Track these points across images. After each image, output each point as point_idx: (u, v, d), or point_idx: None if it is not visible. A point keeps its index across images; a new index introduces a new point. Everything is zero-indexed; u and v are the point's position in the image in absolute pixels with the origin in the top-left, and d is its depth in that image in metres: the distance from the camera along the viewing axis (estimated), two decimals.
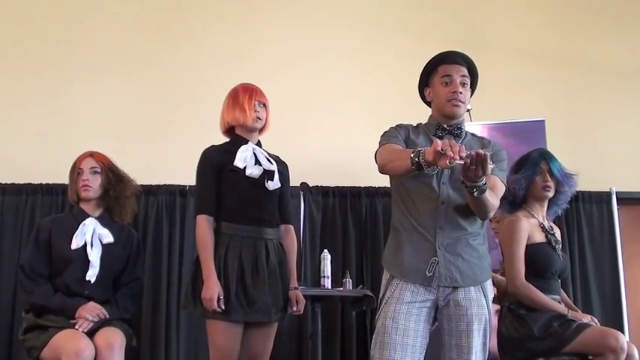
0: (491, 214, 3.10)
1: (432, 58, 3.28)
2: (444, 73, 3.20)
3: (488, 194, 2.91)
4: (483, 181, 2.81)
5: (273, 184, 3.76)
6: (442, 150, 2.63)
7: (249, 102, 3.76)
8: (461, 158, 2.61)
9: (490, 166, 2.70)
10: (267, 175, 3.76)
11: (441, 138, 3.14)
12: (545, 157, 4.21)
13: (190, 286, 3.67)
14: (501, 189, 3.15)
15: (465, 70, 3.22)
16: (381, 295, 3.13)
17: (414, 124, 3.29)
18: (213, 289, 3.49)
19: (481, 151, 2.65)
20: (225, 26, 6.35)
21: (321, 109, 6.21)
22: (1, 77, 6.06)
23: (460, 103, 3.17)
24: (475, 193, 2.85)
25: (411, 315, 3.00)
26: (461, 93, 3.16)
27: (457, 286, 3.03)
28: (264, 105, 3.84)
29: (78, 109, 6.01)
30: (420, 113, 3.36)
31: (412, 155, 2.81)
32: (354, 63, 6.38)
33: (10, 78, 6.04)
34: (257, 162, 3.76)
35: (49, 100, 6.01)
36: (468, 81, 3.22)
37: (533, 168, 4.14)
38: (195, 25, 6.32)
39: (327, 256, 4.71)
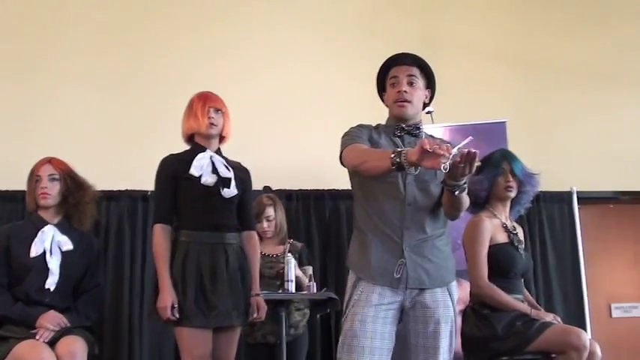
0: (462, 214, 3.12)
1: (382, 63, 3.30)
2: (392, 75, 3.22)
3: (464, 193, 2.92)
4: (464, 180, 2.82)
5: (229, 192, 3.76)
6: (430, 149, 2.57)
7: (202, 109, 3.78)
8: (451, 156, 2.56)
9: (476, 164, 2.68)
10: (223, 182, 3.75)
11: (400, 138, 3.15)
12: (507, 157, 4.24)
13: (153, 296, 3.67)
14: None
15: (413, 70, 3.21)
16: (347, 297, 3.11)
17: (374, 125, 3.29)
18: (166, 299, 3.53)
19: (472, 150, 2.61)
20: (188, 31, 6.30)
21: (284, 111, 6.19)
22: None
23: (406, 103, 3.16)
24: (457, 192, 2.86)
25: (378, 318, 3.00)
26: (406, 92, 3.16)
27: (424, 288, 3.04)
28: (221, 111, 3.83)
29: (38, 114, 5.92)
30: (381, 115, 3.35)
31: (392, 156, 2.77)
32: (316, 65, 6.37)
33: None
34: (214, 170, 3.75)
35: (8, 106, 5.92)
36: (418, 80, 3.21)
37: (495, 168, 4.16)
38: (157, 30, 6.26)
39: (290, 260, 4.69)
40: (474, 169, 2.68)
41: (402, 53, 3.29)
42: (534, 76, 6.67)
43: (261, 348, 4.75)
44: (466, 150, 2.60)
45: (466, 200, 3.00)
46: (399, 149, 2.82)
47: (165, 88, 5.99)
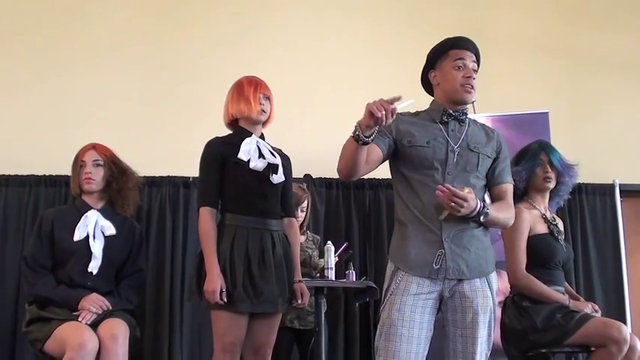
0: (511, 222, 3.19)
1: (444, 41, 3.23)
2: (457, 57, 3.16)
3: (495, 211, 3.00)
4: (478, 207, 2.91)
5: (278, 178, 3.76)
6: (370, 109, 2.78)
7: (254, 94, 3.76)
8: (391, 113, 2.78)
9: (470, 195, 2.86)
10: (272, 168, 3.76)
11: (446, 124, 3.13)
12: (545, 148, 4.22)
13: (195, 278, 3.68)
14: (511, 190, 3.21)
15: (475, 58, 3.20)
16: (385, 286, 3.11)
17: (412, 112, 3.24)
18: (215, 282, 3.50)
19: (438, 192, 2.84)
20: (233, 18, 6.31)
21: (325, 99, 6.17)
22: (1, 67, 6.03)
23: (472, 90, 3.14)
24: (482, 219, 2.94)
25: (417, 307, 2.99)
26: (474, 79, 3.14)
27: (463, 278, 3.02)
28: (269, 98, 3.84)
29: (80, 99, 5.97)
30: (423, 103, 3.31)
31: (351, 134, 2.92)
32: (358, 53, 6.35)
33: (11, 68, 6.01)
34: (260, 155, 3.76)
35: (52, 91, 5.97)
36: (477, 70, 3.20)
37: (533, 159, 4.15)
38: (198, 16, 6.29)
39: (330, 248, 4.70)
40: (470, 198, 2.86)
41: (466, 37, 3.26)
42: (577, 66, 6.58)
43: (286, 332, 4.77)
44: (437, 194, 2.86)
45: (502, 217, 3.09)
46: (355, 123, 2.91)
47: (210, 74, 6.00)
